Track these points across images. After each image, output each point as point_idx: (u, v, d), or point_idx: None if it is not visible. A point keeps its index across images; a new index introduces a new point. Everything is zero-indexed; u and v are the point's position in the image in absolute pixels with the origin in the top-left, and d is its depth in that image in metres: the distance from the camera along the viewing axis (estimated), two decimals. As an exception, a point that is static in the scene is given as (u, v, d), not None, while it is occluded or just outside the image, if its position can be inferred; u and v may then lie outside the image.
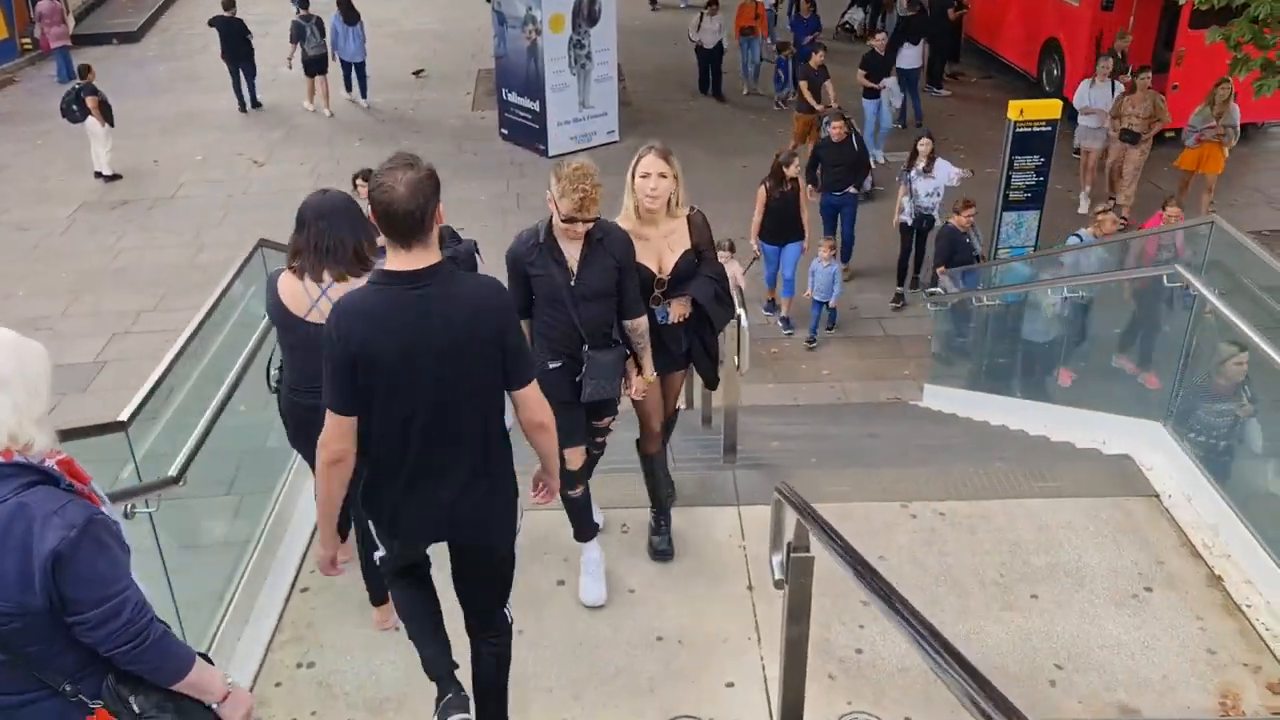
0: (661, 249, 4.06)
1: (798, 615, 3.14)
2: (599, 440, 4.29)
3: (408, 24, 21.02)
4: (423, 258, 2.71)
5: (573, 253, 3.76)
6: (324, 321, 2.82)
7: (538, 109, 14.40)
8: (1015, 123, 8.13)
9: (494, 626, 3.26)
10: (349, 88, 16.29)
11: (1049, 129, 8.23)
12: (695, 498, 4.86)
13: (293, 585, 4.40)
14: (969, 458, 5.58)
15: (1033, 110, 8.22)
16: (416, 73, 17.81)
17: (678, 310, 4.09)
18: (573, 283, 3.77)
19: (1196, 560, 4.39)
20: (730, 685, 3.86)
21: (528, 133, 14.67)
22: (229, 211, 12.98)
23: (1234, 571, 4.29)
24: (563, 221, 3.64)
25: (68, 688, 2.03)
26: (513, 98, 14.80)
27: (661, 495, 4.55)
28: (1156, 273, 5.00)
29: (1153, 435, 5.03)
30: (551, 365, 3.84)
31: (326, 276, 3.45)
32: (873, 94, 13.43)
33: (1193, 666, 3.87)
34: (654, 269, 4.03)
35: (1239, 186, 12.60)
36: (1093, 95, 11.41)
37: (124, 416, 3.20)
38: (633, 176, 4.00)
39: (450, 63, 18.60)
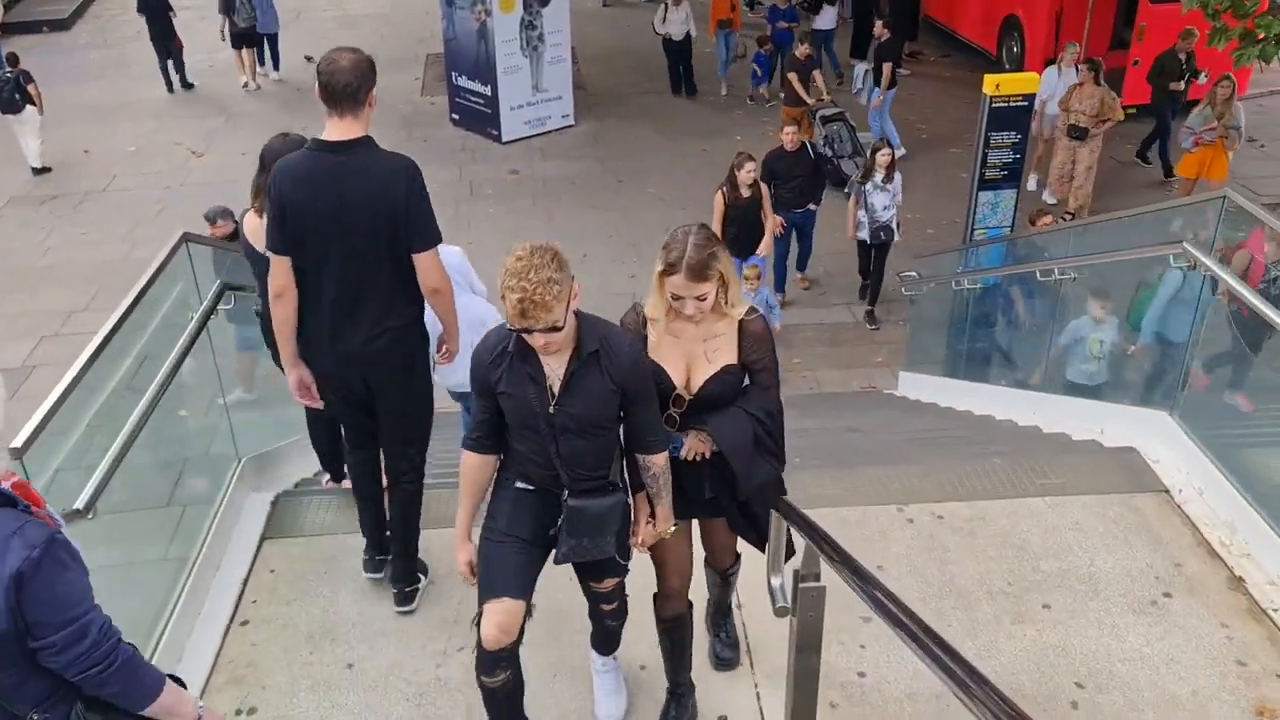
0: (695, 355, 2.96)
1: (808, 648, 2.76)
2: (606, 608, 3.21)
3: (353, 7, 20.33)
4: (350, 129, 3.25)
5: (554, 367, 2.77)
6: None
7: (489, 93, 13.87)
8: (991, 98, 7.79)
9: (404, 467, 3.74)
10: (261, 60, 15.96)
11: (1026, 103, 7.92)
12: (674, 506, 4.47)
13: (231, 618, 3.93)
14: (961, 453, 5.25)
15: (1009, 84, 7.89)
16: (308, 58, 16.68)
17: (694, 446, 3.00)
18: (551, 408, 2.78)
19: (1215, 561, 4.09)
20: (723, 719, 3.48)
21: (479, 118, 14.14)
22: (165, 205, 12.33)
23: (1256, 572, 4.00)
24: (509, 329, 2.69)
25: (35, 717, 1.94)
26: (463, 82, 14.25)
27: (680, 675, 3.39)
28: (1163, 252, 4.69)
29: (1158, 426, 4.72)
30: (519, 484, 2.96)
31: None
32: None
33: (1223, 680, 3.56)
34: (677, 381, 2.96)
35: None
36: (1060, 84, 10.70)
37: (17, 443, 2.73)
38: (660, 276, 2.87)
39: (398, 47, 17.93)
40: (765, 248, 8.57)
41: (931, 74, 16.21)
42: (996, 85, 7.81)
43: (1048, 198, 10.60)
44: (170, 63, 15.55)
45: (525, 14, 13.61)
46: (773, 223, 8.52)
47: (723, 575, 3.50)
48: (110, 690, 1.99)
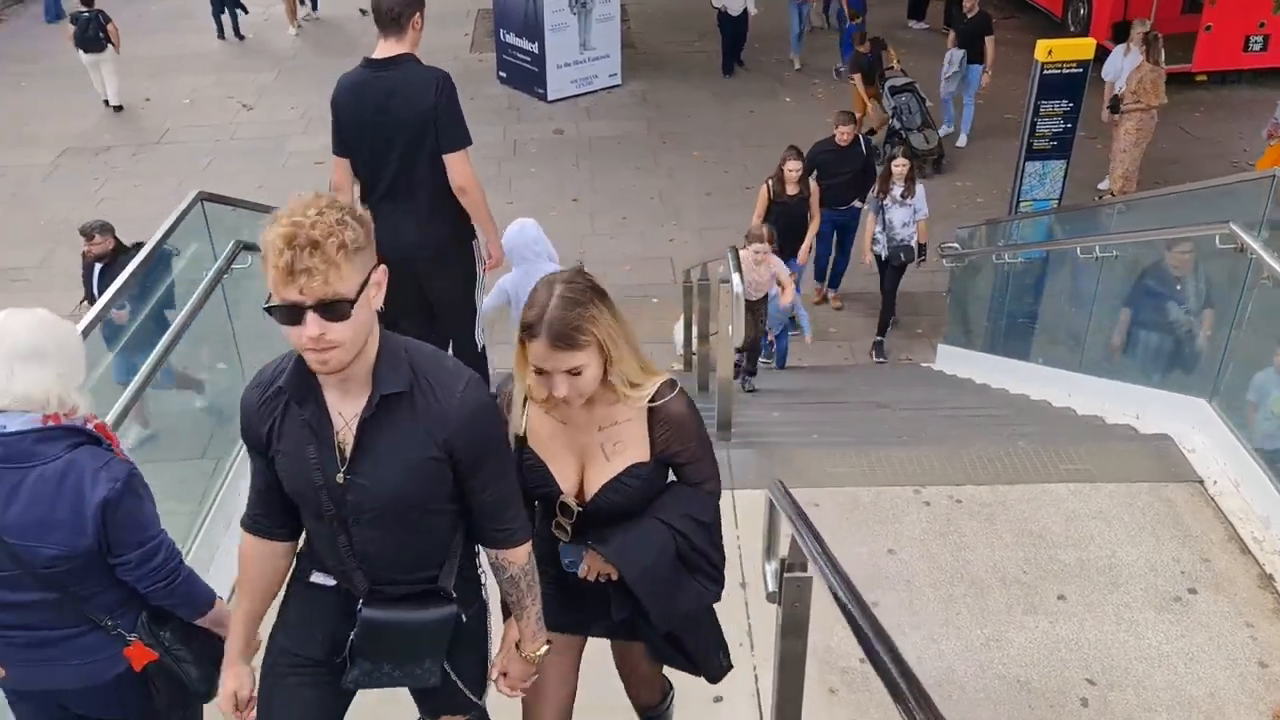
0: (589, 449, 2.23)
1: (793, 633, 2.69)
2: None
3: (406, -39, 20.23)
4: (394, 48, 3.71)
5: (347, 411, 1.94)
6: None
7: (536, 50, 13.72)
8: (1043, 64, 7.44)
9: (461, 348, 4.04)
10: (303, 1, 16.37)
11: (1080, 70, 7.55)
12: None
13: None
14: (987, 434, 5.09)
15: (1062, 50, 7.53)
16: (362, 11, 16.79)
17: (594, 566, 2.28)
18: (340, 477, 1.95)
19: (1246, 557, 3.92)
20: (719, 700, 3.42)
21: (526, 76, 14.02)
22: (215, 158, 12.45)
23: (1288, 570, 3.83)
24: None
25: (109, 622, 2.25)
26: (511, 39, 14.11)
27: None
28: (1208, 232, 4.45)
29: (1196, 413, 4.52)
30: (316, 579, 2.16)
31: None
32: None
33: (1243, 683, 3.42)
34: (564, 485, 2.24)
35: None
36: (1126, 65, 10.07)
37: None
38: (520, 341, 2.12)
39: (449, 3, 17.85)
40: (803, 255, 7.96)
41: (1004, 39, 15.70)
42: (1049, 51, 7.46)
43: (1100, 185, 10.22)
44: (225, 13, 15.74)
45: (575, -31, 13.41)
46: (814, 224, 7.92)
47: (647, 718, 2.73)
48: (171, 602, 2.31)
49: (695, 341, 6.43)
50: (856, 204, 8.33)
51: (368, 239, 1.81)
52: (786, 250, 7.38)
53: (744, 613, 3.74)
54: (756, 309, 6.48)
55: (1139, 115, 9.41)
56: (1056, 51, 7.53)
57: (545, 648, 2.25)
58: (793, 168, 7.59)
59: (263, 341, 4.55)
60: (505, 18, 14.08)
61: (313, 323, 1.74)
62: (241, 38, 16.01)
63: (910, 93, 11.35)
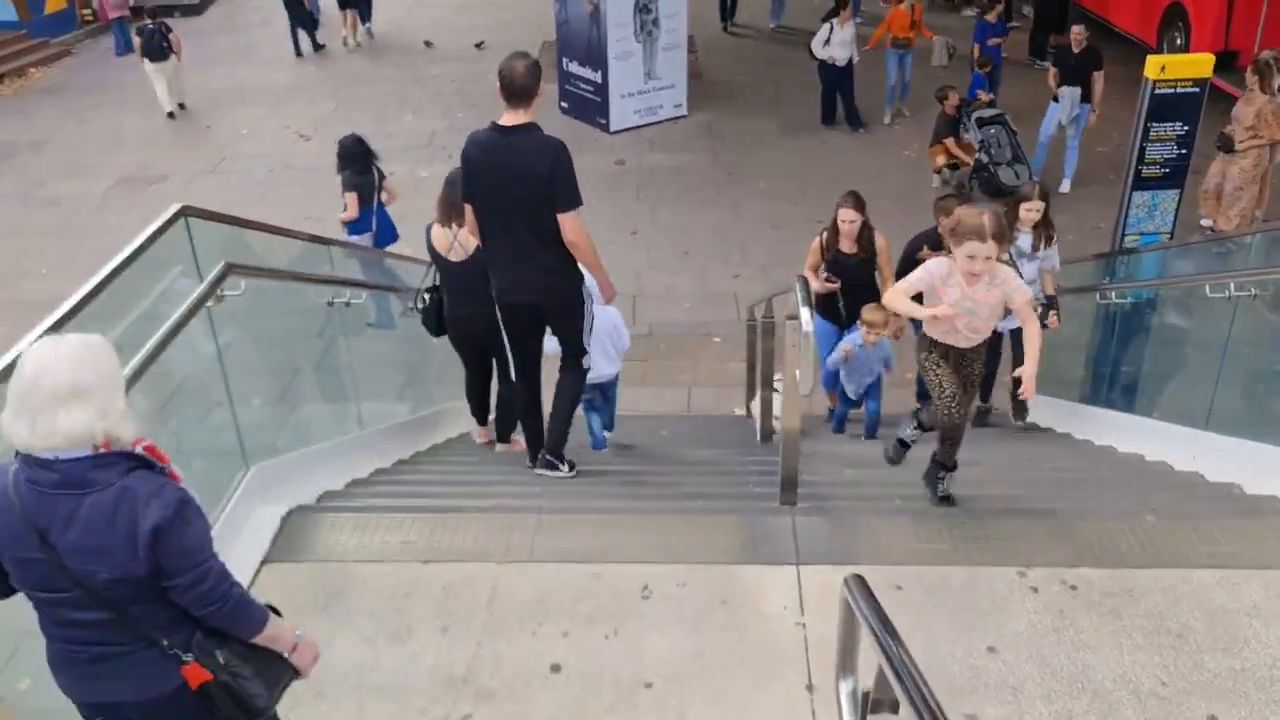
0: None
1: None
2: None
3: (474, -6, 20.20)
4: (520, 118, 4.14)
5: None
6: (460, 258, 4.95)
7: (599, 80, 13.30)
8: (1154, 82, 6.65)
9: (573, 361, 4.70)
10: (362, 19, 16.98)
11: (1196, 90, 6.77)
12: (741, 552, 3.73)
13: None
14: (1103, 504, 4.29)
15: (1176, 67, 6.73)
16: (478, 45, 16.96)
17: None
18: None
19: None
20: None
21: (588, 106, 13.58)
22: (268, 188, 12.22)
23: None
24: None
25: (164, 641, 2.28)
26: (573, 68, 13.72)
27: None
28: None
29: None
30: None
31: (455, 225, 4.93)
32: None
33: None
34: None
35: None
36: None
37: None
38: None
39: (512, 33, 17.63)
40: (892, 326, 5.97)
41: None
42: (1162, 68, 6.67)
43: (1203, 221, 9.32)
44: (300, 30, 16.37)
45: (641, -4, 12.99)
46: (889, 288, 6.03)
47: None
48: (223, 623, 2.34)
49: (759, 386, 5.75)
50: None
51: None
52: (847, 322, 6.14)
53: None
54: (970, 364, 4.10)
55: (1256, 152, 8.55)
56: (1170, 68, 6.75)
57: None
58: (848, 219, 5.97)
59: (258, 381, 4.03)
60: (568, 46, 13.71)
61: None
62: (320, 47, 16.63)
63: (1000, 125, 10.51)
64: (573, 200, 4.21)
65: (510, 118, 4.17)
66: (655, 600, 3.51)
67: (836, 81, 12.74)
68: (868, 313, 5.72)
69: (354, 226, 8.12)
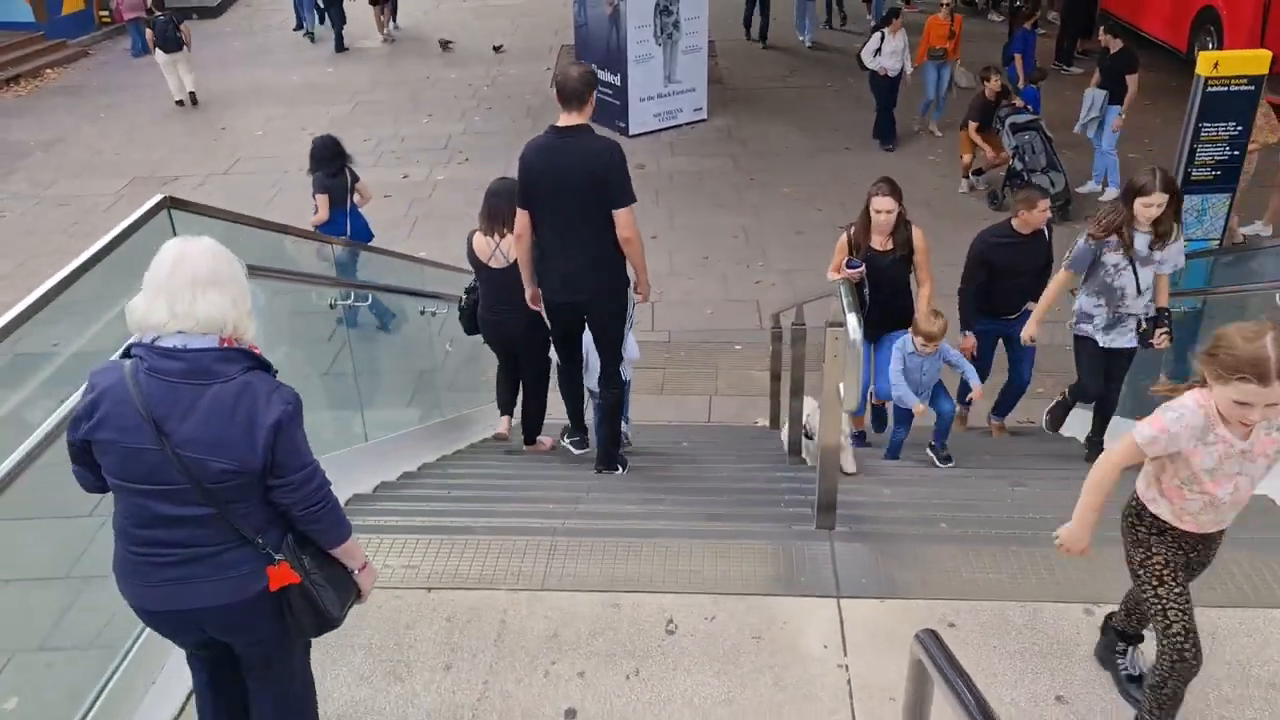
0: None
1: None
2: None
3: (494, -1, 20.02)
4: (574, 119, 4.32)
5: None
6: (500, 265, 5.08)
7: (618, 83, 13.02)
8: (1206, 79, 6.29)
9: (611, 380, 4.83)
10: (395, 16, 17.43)
11: (1251, 88, 6.39)
12: (775, 582, 3.38)
13: (187, 699, 3.04)
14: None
15: (1231, 64, 6.37)
16: (496, 48, 16.76)
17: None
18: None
19: None
20: None
21: (607, 110, 13.27)
22: (281, 190, 11.98)
23: None
24: None
25: (259, 540, 2.31)
26: (592, 71, 13.44)
27: None
28: None
29: None
30: None
31: (496, 235, 5.05)
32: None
33: None
34: None
35: None
36: None
37: None
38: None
39: (531, 38, 17.47)
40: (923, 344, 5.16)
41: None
42: (1215, 65, 6.31)
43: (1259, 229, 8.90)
44: (322, 23, 17.05)
45: (661, -2, 12.71)
46: (925, 292, 5.42)
47: None
48: (318, 526, 2.38)
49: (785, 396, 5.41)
50: (1029, 306, 5.65)
51: None
52: (882, 326, 5.33)
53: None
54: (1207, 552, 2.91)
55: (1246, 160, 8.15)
56: (1223, 65, 6.38)
57: None
58: (883, 208, 5.13)
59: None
60: (586, 49, 13.43)
61: None
62: (343, 49, 16.84)
63: (1034, 130, 10.11)
64: (627, 196, 4.41)
65: (566, 119, 4.37)
66: (680, 635, 3.17)
67: (889, 93, 11.98)
68: (924, 323, 5.05)
69: (325, 229, 7.85)
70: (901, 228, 5.26)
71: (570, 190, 4.32)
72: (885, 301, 5.30)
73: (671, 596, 3.31)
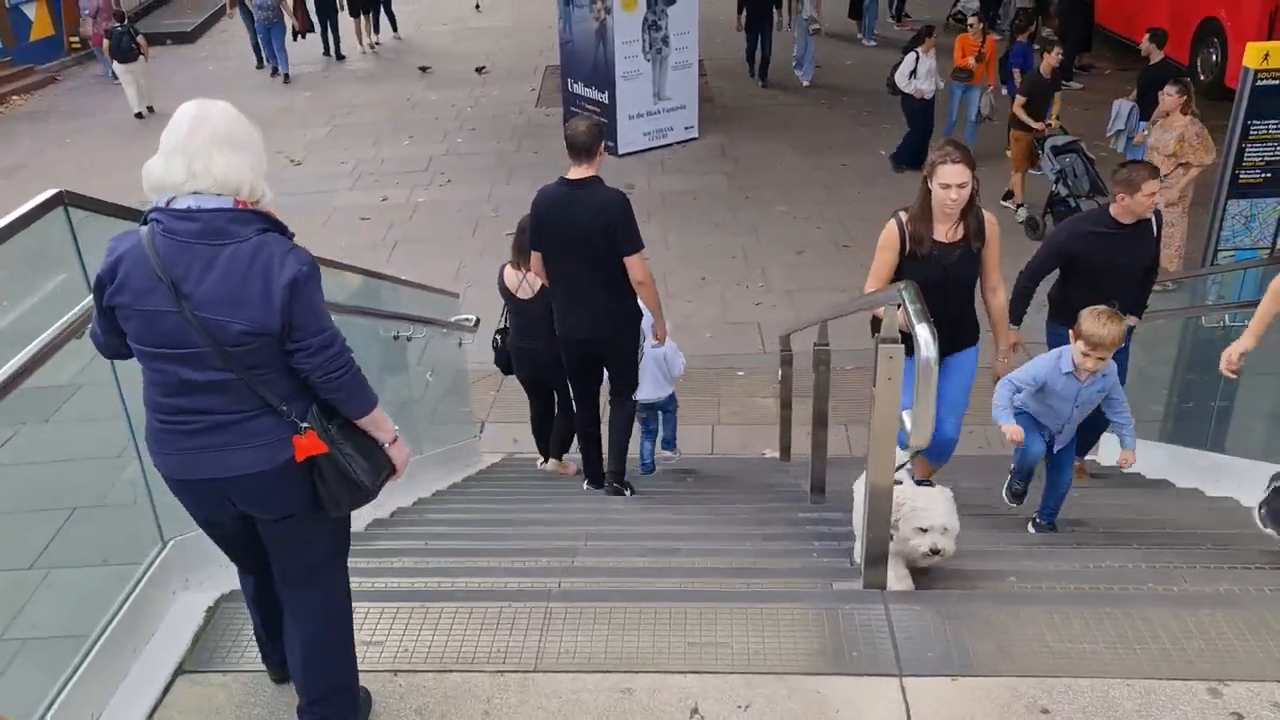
0: None
1: None
2: None
3: (475, 21, 19.55)
4: (584, 172, 4.59)
5: None
6: (528, 296, 5.39)
7: (606, 100, 12.51)
8: (1255, 72, 5.76)
9: (623, 400, 5.17)
10: (375, 30, 17.61)
11: (1307, 80, 5.88)
12: (820, 658, 2.75)
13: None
14: None
15: (1281, 54, 5.87)
16: (479, 69, 16.27)
17: None
18: None
19: None
20: None
21: (573, 119, 12.75)
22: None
23: None
24: None
25: (284, 408, 2.26)
26: (579, 89, 12.94)
27: None
28: None
29: None
30: None
31: (524, 268, 5.28)
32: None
33: None
34: None
35: None
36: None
37: None
38: None
39: (516, 59, 17.02)
40: (1002, 363, 4.31)
41: (1108, 88, 14.10)
42: (1265, 56, 5.79)
43: None
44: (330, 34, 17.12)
45: (649, 13, 12.24)
46: (1007, 341, 4.38)
47: None
48: (340, 395, 2.33)
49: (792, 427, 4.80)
50: (1131, 321, 4.70)
51: None
52: (953, 340, 4.03)
53: None
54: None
55: (1184, 181, 7.72)
56: (1275, 56, 5.86)
57: None
58: (955, 179, 3.83)
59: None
60: (573, 66, 12.94)
61: None
62: (341, 57, 17.21)
63: (1075, 153, 9.45)
64: (636, 244, 4.62)
65: (576, 172, 4.58)
66: (709, 728, 2.54)
67: (924, 117, 11.15)
68: (1095, 322, 3.65)
69: None
70: (973, 212, 4.00)
71: (581, 240, 4.57)
72: (956, 312, 4.02)
73: (695, 678, 2.68)
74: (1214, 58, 13.32)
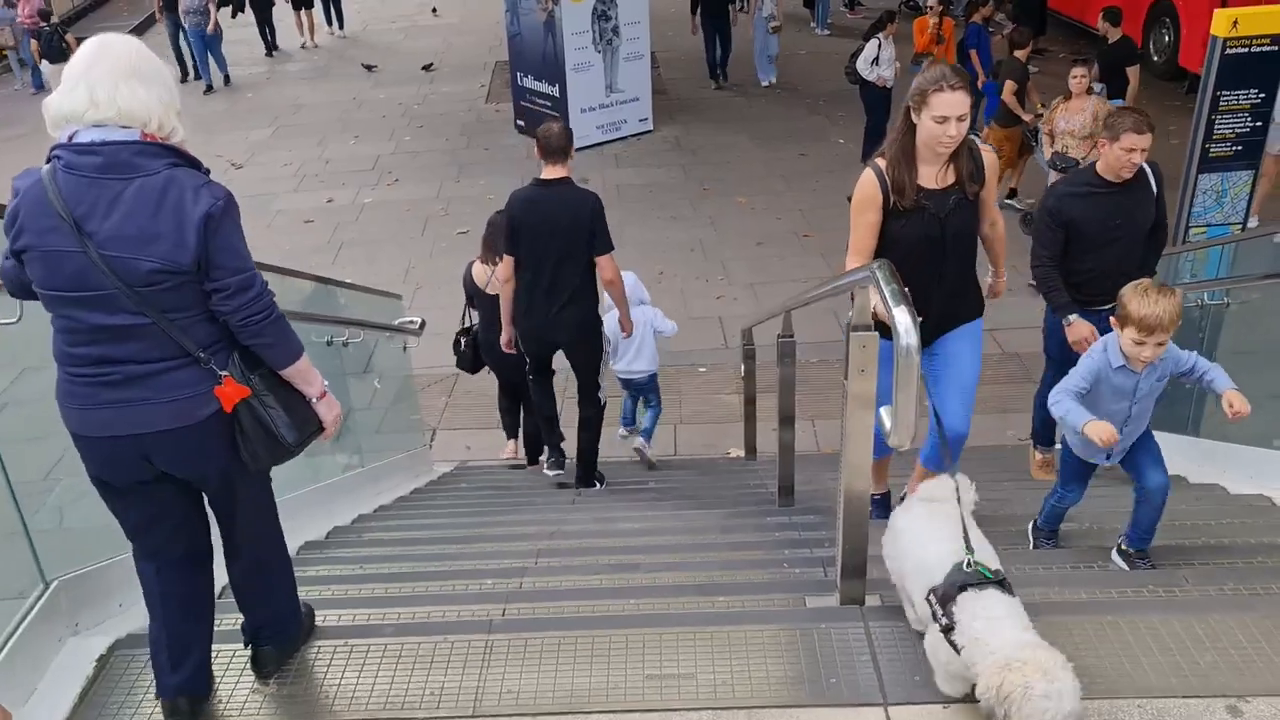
0: None
1: None
2: None
3: (424, 20, 19.12)
4: (557, 172, 4.82)
5: None
6: (496, 291, 5.32)
7: (557, 94, 12.19)
8: (1225, 40, 5.54)
9: (590, 401, 5.36)
10: (329, 21, 17.55)
11: (1276, 48, 5.64)
12: (796, 687, 2.45)
13: None
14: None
15: (1252, 22, 5.60)
16: (426, 67, 15.87)
17: None
18: None
19: None
20: None
21: (545, 122, 12.40)
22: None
23: None
24: None
25: (202, 355, 2.16)
26: (528, 83, 12.59)
27: None
28: None
29: None
30: None
31: (493, 263, 5.52)
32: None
33: None
34: None
35: None
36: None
37: None
38: None
39: (465, 55, 16.64)
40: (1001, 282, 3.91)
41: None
42: (1234, 23, 5.58)
43: None
44: (267, 30, 16.82)
45: (598, 3, 11.92)
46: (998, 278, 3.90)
47: None
48: (263, 341, 2.22)
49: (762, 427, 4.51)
50: None
51: None
52: (946, 318, 3.49)
53: None
54: None
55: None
56: (1244, 23, 5.65)
57: None
58: (953, 110, 3.19)
59: (53, 449, 2.73)
60: (521, 59, 12.59)
61: None
62: (276, 48, 16.98)
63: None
64: (608, 244, 4.87)
65: (549, 172, 4.79)
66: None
67: (884, 106, 10.38)
68: (1139, 301, 2.98)
69: None
70: (965, 150, 3.33)
71: (556, 237, 4.74)
72: (956, 278, 3.42)
73: (657, 716, 2.36)
74: (1166, 39, 13.28)
